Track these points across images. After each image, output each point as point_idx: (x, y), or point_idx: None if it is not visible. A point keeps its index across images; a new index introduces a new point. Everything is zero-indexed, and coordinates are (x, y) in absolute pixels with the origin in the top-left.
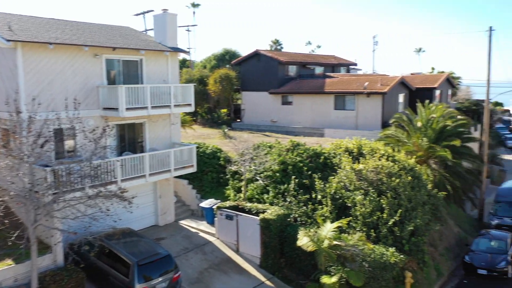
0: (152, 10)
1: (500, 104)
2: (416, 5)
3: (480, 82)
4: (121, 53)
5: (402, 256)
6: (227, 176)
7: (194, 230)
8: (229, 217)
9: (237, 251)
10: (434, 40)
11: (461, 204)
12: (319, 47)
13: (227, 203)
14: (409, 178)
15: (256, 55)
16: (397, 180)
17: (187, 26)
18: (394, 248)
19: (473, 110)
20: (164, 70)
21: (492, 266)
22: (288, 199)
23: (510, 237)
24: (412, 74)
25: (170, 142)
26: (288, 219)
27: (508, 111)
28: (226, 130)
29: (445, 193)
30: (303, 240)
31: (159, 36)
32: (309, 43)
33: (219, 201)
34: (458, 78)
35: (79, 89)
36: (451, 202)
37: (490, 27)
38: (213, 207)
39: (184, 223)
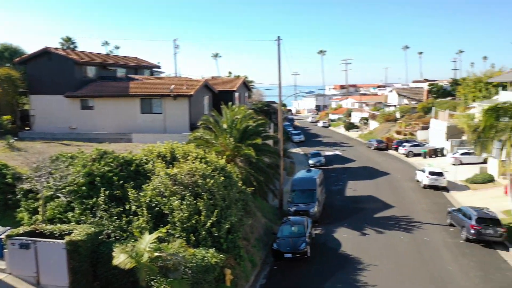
0: None
1: (285, 105)
2: (212, 13)
3: (269, 85)
4: None
5: (221, 255)
6: (18, 197)
7: None
8: (25, 246)
9: (37, 284)
10: (230, 46)
11: (265, 196)
12: (117, 48)
13: (21, 229)
14: (222, 178)
15: (46, 53)
16: (211, 181)
17: None
18: (214, 248)
19: (265, 111)
20: None
21: (295, 249)
22: (99, 214)
23: (306, 220)
24: (213, 77)
25: None
26: (100, 237)
27: (290, 110)
28: (11, 140)
29: (252, 188)
30: (120, 258)
31: None
32: (107, 43)
33: (8, 228)
34: (252, 81)
35: None
36: (257, 195)
37: (278, 37)
38: (1, 236)
39: None
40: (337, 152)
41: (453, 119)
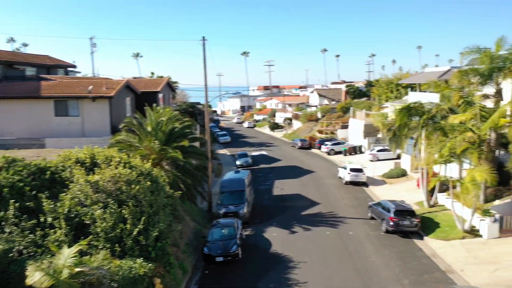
0: None
1: (210, 106)
2: (131, 12)
3: (193, 86)
4: None
5: (150, 264)
6: None
7: None
8: None
9: None
10: (151, 46)
11: (194, 199)
12: (26, 45)
13: None
14: (148, 183)
15: None
16: (137, 187)
17: None
18: (142, 258)
19: (191, 112)
20: None
21: (226, 252)
22: (8, 230)
23: (236, 222)
24: (135, 78)
25: None
26: (11, 255)
27: (216, 111)
28: None
29: (180, 192)
30: (35, 276)
31: None
32: (12, 40)
33: None
34: (176, 82)
35: None
36: (185, 199)
37: (203, 37)
38: None
39: None
40: (264, 152)
41: (369, 118)
